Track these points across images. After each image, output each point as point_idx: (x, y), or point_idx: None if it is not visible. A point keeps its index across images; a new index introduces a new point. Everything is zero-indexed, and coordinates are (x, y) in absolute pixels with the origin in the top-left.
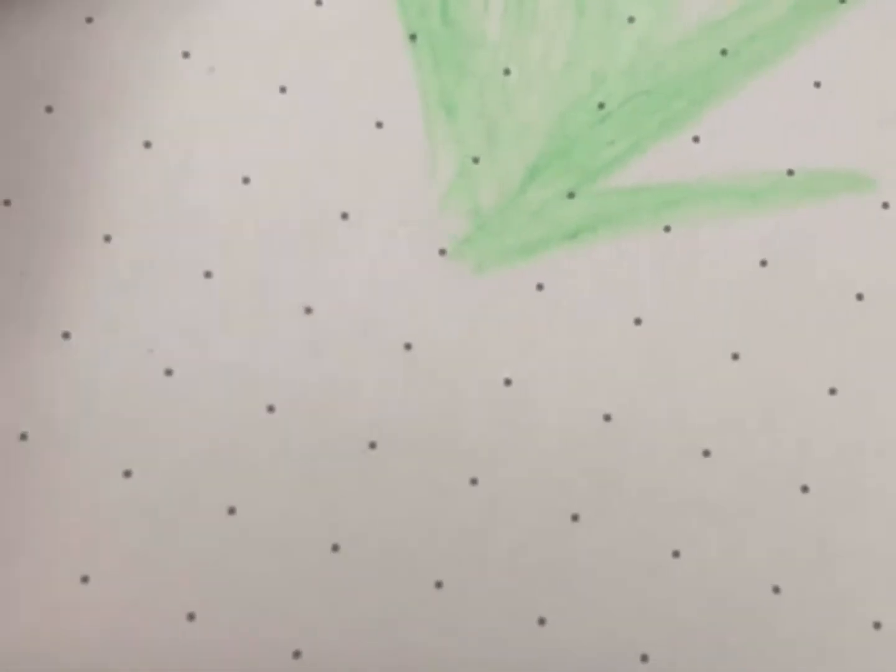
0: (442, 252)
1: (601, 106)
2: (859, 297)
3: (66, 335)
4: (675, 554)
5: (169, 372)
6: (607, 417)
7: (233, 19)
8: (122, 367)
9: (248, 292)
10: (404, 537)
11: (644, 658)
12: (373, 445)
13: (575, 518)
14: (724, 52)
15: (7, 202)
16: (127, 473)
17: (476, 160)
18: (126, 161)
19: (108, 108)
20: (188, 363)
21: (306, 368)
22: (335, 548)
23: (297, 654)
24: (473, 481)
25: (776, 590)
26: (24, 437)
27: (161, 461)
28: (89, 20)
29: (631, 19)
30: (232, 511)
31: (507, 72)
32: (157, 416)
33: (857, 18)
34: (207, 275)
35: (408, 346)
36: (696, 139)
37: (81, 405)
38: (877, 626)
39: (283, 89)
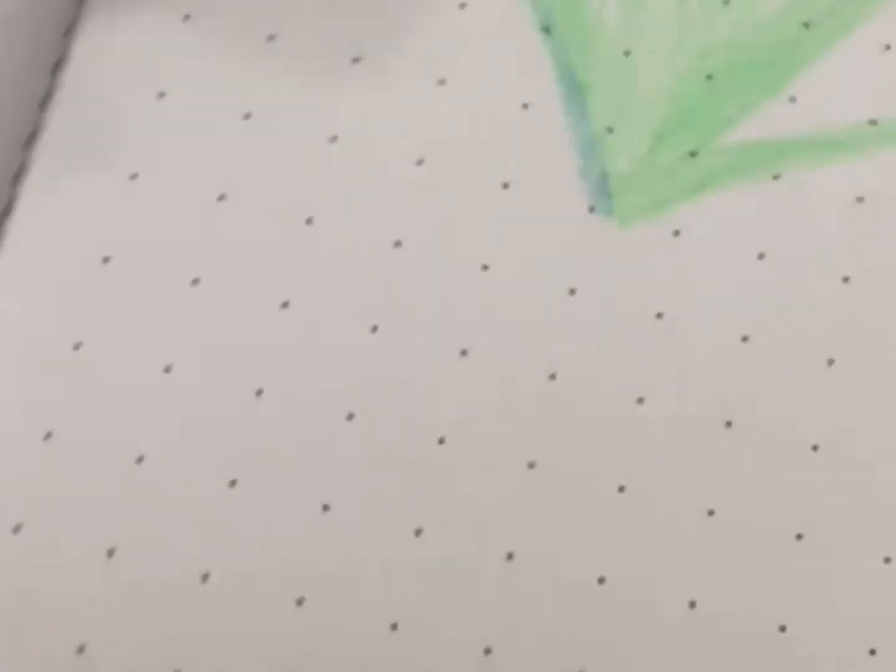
0: (591, 210)
1: (709, 77)
2: None
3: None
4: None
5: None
6: (745, 339)
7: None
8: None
9: (430, 257)
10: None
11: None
12: (552, 377)
13: (728, 425)
14: (806, 25)
15: None
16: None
17: (610, 130)
18: None
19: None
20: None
21: (491, 312)
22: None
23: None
24: (640, 400)
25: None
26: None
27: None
28: None
29: (726, 1)
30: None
31: (627, 53)
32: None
33: None
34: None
35: (572, 291)
36: (792, 99)
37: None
38: None
39: (441, 82)
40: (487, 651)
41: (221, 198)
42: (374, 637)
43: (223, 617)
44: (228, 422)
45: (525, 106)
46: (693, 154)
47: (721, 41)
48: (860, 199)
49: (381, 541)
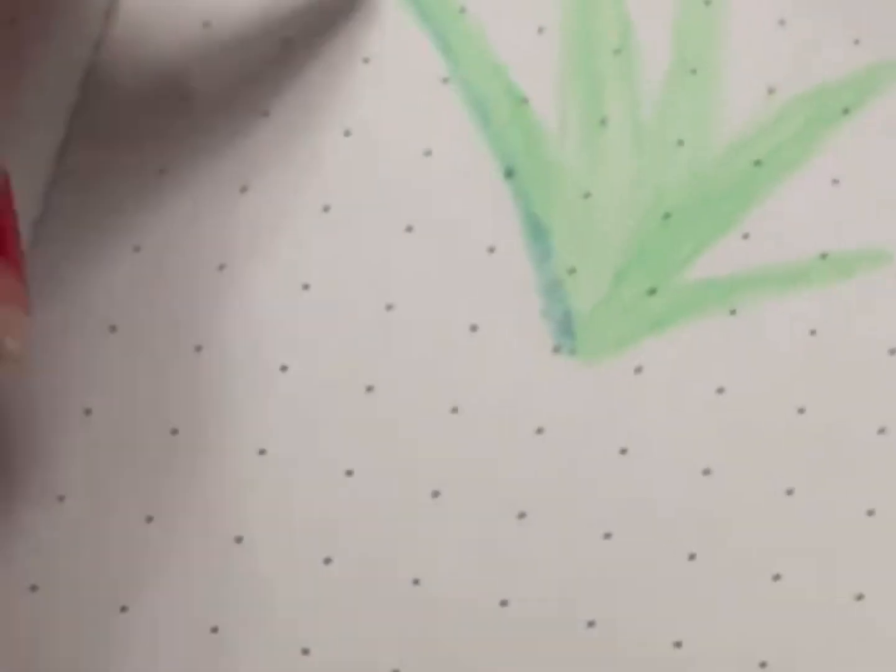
0: (555, 350)
1: (666, 216)
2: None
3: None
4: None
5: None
6: (706, 472)
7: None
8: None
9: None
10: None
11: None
12: (522, 515)
13: (692, 557)
14: (757, 163)
15: None
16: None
17: (572, 271)
18: None
19: None
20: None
21: (461, 453)
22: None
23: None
24: (607, 535)
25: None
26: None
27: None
28: None
29: (680, 143)
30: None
31: (587, 195)
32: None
33: (860, 123)
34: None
35: (539, 430)
36: (745, 236)
37: None
38: None
39: (409, 229)
40: None
41: (198, 348)
42: None
43: None
44: None
45: (491, 250)
46: (652, 292)
47: (677, 180)
48: (813, 332)
49: None
